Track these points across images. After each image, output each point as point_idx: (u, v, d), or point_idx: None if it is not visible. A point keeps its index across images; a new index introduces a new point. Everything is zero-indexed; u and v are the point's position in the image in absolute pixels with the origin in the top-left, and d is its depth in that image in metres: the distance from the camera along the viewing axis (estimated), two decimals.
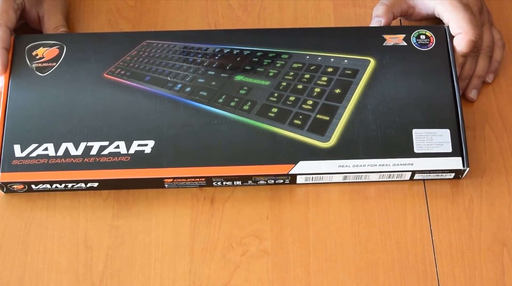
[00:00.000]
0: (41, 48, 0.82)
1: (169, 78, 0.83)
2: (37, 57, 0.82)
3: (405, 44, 0.84)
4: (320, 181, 0.80)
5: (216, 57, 0.84)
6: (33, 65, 0.81)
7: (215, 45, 0.84)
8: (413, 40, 0.84)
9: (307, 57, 0.84)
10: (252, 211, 0.80)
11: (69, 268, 0.77)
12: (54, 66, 0.81)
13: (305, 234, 0.79)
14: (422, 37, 0.84)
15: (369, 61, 0.83)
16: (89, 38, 0.84)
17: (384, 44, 0.84)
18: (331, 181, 0.80)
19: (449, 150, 0.80)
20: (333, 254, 0.78)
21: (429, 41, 0.84)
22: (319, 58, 0.84)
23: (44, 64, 0.81)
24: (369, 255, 0.78)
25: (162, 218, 0.80)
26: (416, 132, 0.80)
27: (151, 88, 0.82)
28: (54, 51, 0.82)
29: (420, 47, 0.84)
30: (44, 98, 0.80)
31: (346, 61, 0.83)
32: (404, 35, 0.84)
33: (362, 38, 0.84)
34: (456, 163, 0.79)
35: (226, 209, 0.80)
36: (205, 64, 0.84)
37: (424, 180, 0.81)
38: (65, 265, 0.77)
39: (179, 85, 0.82)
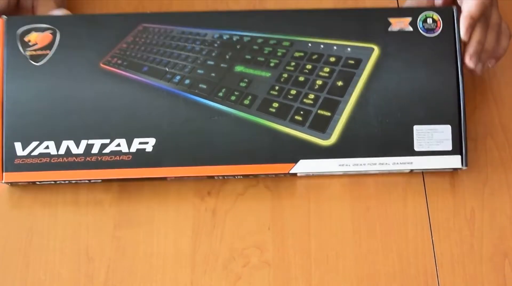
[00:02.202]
0: (33, 33, 0.80)
1: (167, 69, 0.82)
2: (30, 44, 0.80)
3: (411, 29, 0.82)
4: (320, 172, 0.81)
5: (216, 45, 0.82)
6: (26, 53, 0.80)
7: (214, 30, 0.83)
8: (419, 24, 0.82)
9: (309, 44, 0.82)
10: (253, 222, 0.80)
11: (70, 279, 0.77)
12: (48, 54, 0.80)
13: (306, 245, 0.79)
14: (429, 20, 0.82)
15: (373, 49, 0.81)
16: (82, 21, 0.81)
17: (389, 29, 0.82)
18: (331, 172, 0.81)
19: (449, 148, 0.80)
20: (334, 266, 0.78)
21: (436, 26, 0.82)
22: (322, 46, 0.82)
23: (38, 52, 0.80)
24: (370, 267, 0.78)
25: (163, 229, 0.80)
26: (417, 129, 0.80)
27: (149, 80, 0.81)
28: (47, 36, 0.80)
29: (427, 33, 0.82)
30: (41, 91, 0.79)
31: (349, 49, 0.82)
32: (410, 19, 0.82)
33: (367, 22, 0.82)
34: (455, 161, 0.80)
35: (227, 220, 0.80)
36: (204, 52, 0.82)
37: (425, 188, 0.82)
38: (67, 276, 0.77)
39: (178, 77, 0.82)
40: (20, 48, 0.80)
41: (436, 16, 0.82)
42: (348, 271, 0.78)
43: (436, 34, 0.82)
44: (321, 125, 0.80)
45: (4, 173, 0.78)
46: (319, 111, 0.80)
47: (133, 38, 0.82)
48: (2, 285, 0.77)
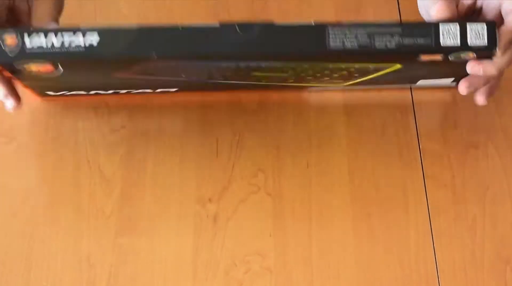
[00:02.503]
0: (31, 63, 0.73)
1: (183, 75, 0.80)
2: (33, 71, 0.75)
3: (441, 59, 0.75)
4: None
5: (231, 69, 0.78)
6: (31, 73, 0.75)
7: (229, 62, 0.77)
8: (451, 57, 0.75)
9: (330, 65, 0.78)
10: (255, 229, 0.80)
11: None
12: (54, 71, 0.75)
13: (308, 252, 0.79)
14: (463, 55, 0.75)
15: (396, 65, 0.79)
16: (84, 63, 0.74)
17: (418, 59, 0.75)
18: None
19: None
20: (336, 272, 0.78)
21: (469, 57, 0.76)
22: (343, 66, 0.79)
23: (45, 76, 0.76)
24: (372, 273, 0.78)
25: (165, 236, 0.80)
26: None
27: (169, 77, 0.80)
28: (47, 67, 0.75)
29: (457, 61, 0.76)
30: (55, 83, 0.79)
31: (371, 66, 0.79)
32: (442, 55, 0.75)
33: (397, 57, 0.76)
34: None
35: (229, 227, 0.80)
36: (220, 70, 0.79)
37: (426, 194, 0.82)
38: (68, 283, 0.77)
39: (195, 77, 0.81)
40: (22, 70, 0.75)
41: (472, 54, 0.74)
42: (350, 278, 0.78)
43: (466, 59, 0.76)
44: None
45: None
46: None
47: (144, 68, 0.77)
48: None
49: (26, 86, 0.80)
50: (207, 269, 0.78)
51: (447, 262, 0.79)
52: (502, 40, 0.73)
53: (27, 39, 0.71)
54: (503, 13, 0.75)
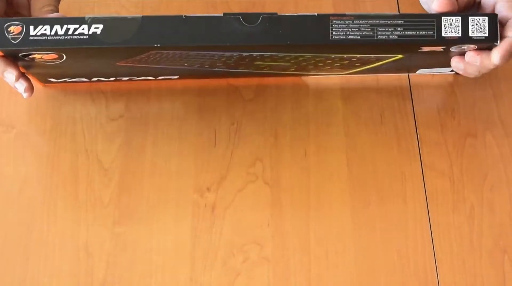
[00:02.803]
0: (36, 53, 0.74)
1: (186, 64, 0.80)
2: (37, 59, 0.75)
3: (442, 50, 0.77)
4: None
5: (233, 59, 0.79)
6: (35, 61, 0.75)
7: (232, 52, 0.77)
8: (452, 48, 0.77)
9: (333, 55, 0.79)
10: (253, 218, 0.80)
11: (70, 275, 0.77)
12: (59, 61, 0.76)
13: (306, 241, 0.79)
14: (464, 47, 0.76)
15: (396, 55, 0.79)
16: (87, 51, 0.74)
17: (419, 50, 0.77)
18: None
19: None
20: (334, 261, 0.78)
21: (470, 49, 0.77)
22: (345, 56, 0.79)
23: (48, 63, 0.76)
24: (370, 262, 0.78)
25: (163, 225, 0.80)
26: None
27: (172, 65, 0.80)
28: (52, 55, 0.75)
29: (458, 51, 0.77)
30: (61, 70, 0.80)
31: (373, 56, 0.80)
32: (444, 47, 0.76)
33: (398, 49, 0.77)
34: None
35: (227, 216, 0.80)
36: (223, 59, 0.79)
37: (424, 183, 0.82)
38: (66, 272, 0.77)
39: (197, 66, 0.81)
40: (27, 59, 0.75)
41: (473, 46, 0.76)
42: (347, 267, 0.78)
43: (466, 50, 0.77)
44: None
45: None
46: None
47: (147, 57, 0.77)
48: (2, 281, 0.77)
49: (29, 73, 0.80)
50: (205, 258, 0.78)
51: (445, 250, 0.79)
52: (503, 46, 0.74)
53: (31, 27, 0.71)
54: (504, 27, 0.76)
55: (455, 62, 0.79)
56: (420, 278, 0.77)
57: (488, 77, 0.88)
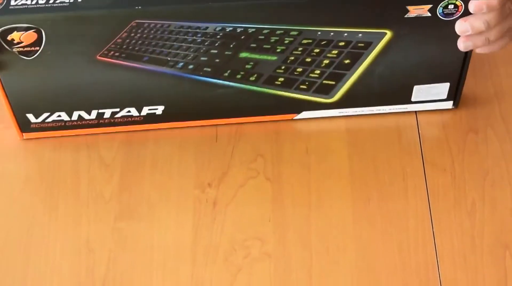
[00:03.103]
0: (16, 32, 0.74)
1: (169, 58, 0.80)
2: (15, 42, 0.75)
3: (429, 15, 0.76)
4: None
5: (218, 36, 0.78)
6: (13, 50, 0.76)
7: (215, 23, 0.77)
8: (439, 10, 0.76)
9: (319, 33, 0.78)
10: (254, 214, 0.80)
11: (71, 271, 0.77)
12: (38, 50, 0.76)
13: (307, 237, 0.79)
14: (451, 6, 0.76)
15: (385, 34, 0.78)
16: (67, 20, 0.75)
17: (406, 16, 0.76)
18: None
19: (444, 97, 0.84)
20: (335, 257, 0.78)
21: (457, 10, 0.76)
22: (331, 33, 0.78)
23: (26, 49, 0.76)
24: (371, 259, 0.78)
25: (164, 221, 0.80)
26: (417, 87, 0.83)
27: (152, 67, 0.80)
28: (31, 35, 0.75)
29: (445, 17, 0.77)
30: (40, 80, 0.79)
31: (360, 35, 0.78)
32: (430, 6, 0.75)
33: (383, 9, 0.76)
34: (446, 105, 0.85)
35: (228, 212, 0.80)
36: (206, 43, 0.79)
37: (426, 179, 0.82)
38: (67, 268, 0.77)
39: (181, 63, 0.80)
40: (6, 46, 0.76)
41: (460, 2, 0.75)
42: (348, 263, 0.78)
43: (454, 17, 0.76)
44: (326, 90, 0.82)
45: (23, 133, 0.84)
46: (324, 81, 0.82)
47: (128, 33, 0.77)
48: (3, 277, 0.77)
49: (6, 97, 0.81)
50: (206, 254, 0.78)
51: (446, 247, 0.79)
52: None
53: None
54: None
55: (459, 24, 0.76)
56: (421, 275, 0.77)
57: (489, 73, 0.88)
